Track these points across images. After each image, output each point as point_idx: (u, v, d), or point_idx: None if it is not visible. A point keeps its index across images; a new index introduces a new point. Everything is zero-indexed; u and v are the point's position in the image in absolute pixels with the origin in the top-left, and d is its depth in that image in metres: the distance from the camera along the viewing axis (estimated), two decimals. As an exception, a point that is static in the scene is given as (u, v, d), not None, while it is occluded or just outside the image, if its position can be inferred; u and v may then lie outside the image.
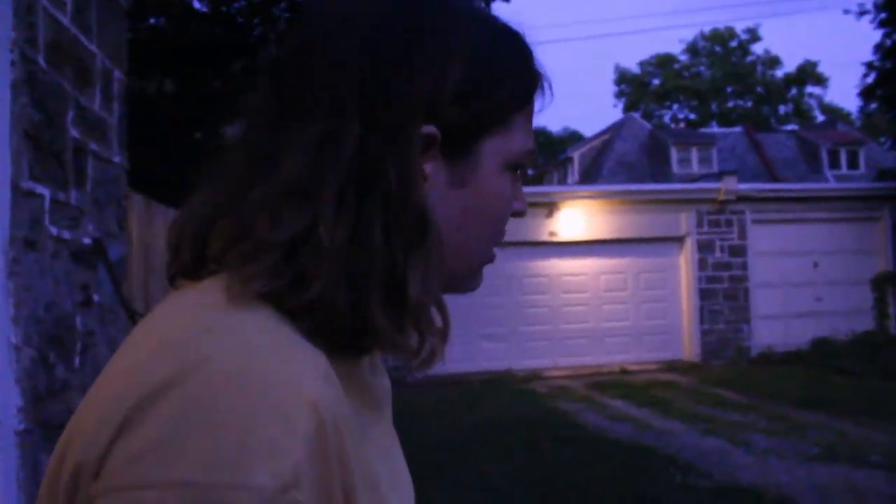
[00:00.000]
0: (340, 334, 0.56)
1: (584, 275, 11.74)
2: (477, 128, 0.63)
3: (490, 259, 0.70)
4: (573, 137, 39.64)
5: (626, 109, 40.09)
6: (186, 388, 0.47)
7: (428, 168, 0.61)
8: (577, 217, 11.50)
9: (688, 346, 11.76)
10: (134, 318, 2.92)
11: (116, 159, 3.04)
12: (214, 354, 0.49)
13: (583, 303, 11.72)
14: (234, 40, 8.42)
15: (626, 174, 25.69)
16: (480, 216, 0.65)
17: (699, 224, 11.66)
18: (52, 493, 0.51)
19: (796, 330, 11.72)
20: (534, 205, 11.36)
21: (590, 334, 11.71)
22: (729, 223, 11.71)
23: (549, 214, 11.42)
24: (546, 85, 0.69)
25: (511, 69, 0.65)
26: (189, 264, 0.59)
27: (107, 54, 2.95)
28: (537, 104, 0.69)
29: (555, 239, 11.48)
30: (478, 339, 11.45)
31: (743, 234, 11.72)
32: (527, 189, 10.18)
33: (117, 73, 3.07)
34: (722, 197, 11.53)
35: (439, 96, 0.60)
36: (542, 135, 42.71)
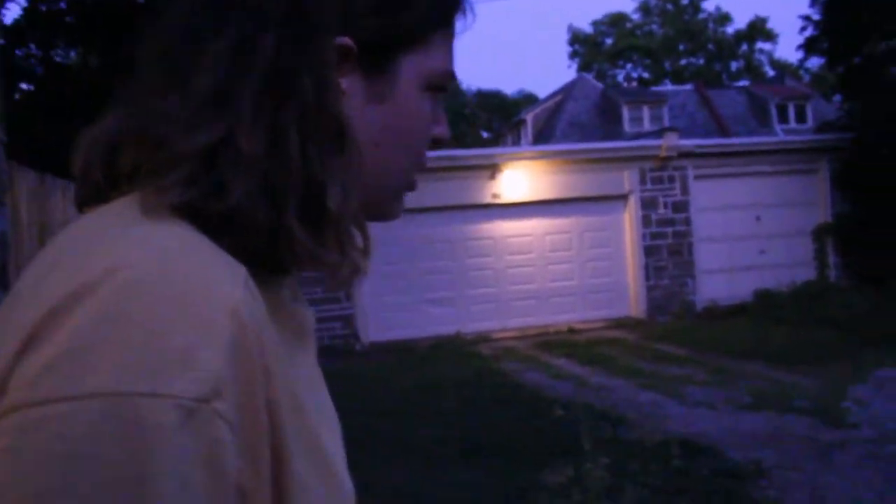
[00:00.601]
0: (260, 248, 0.54)
1: (529, 236, 11.75)
2: (394, 42, 0.62)
3: (411, 185, 0.69)
4: (528, 100, 39.53)
5: (580, 70, 40.06)
6: (97, 296, 0.44)
7: (344, 83, 0.60)
8: (520, 178, 11.46)
9: (634, 303, 11.89)
10: (7, 286, 2.82)
11: (-18, 131, 2.91)
12: (127, 262, 0.46)
13: (528, 264, 11.74)
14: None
15: (579, 134, 25.71)
16: (399, 134, 0.64)
17: (642, 181, 11.71)
18: None
19: (740, 283, 11.91)
20: (476, 167, 11.32)
21: (536, 295, 11.76)
22: (671, 179, 11.78)
23: (492, 176, 11.36)
24: (468, 7, 0.67)
25: None
26: (100, 185, 0.56)
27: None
28: (459, 26, 0.68)
29: (498, 201, 11.44)
30: (424, 304, 11.44)
31: (685, 190, 11.82)
32: (468, 151, 10.13)
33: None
34: (664, 154, 11.58)
35: (354, 6, 0.59)
36: (497, 97, 42.56)
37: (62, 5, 7.54)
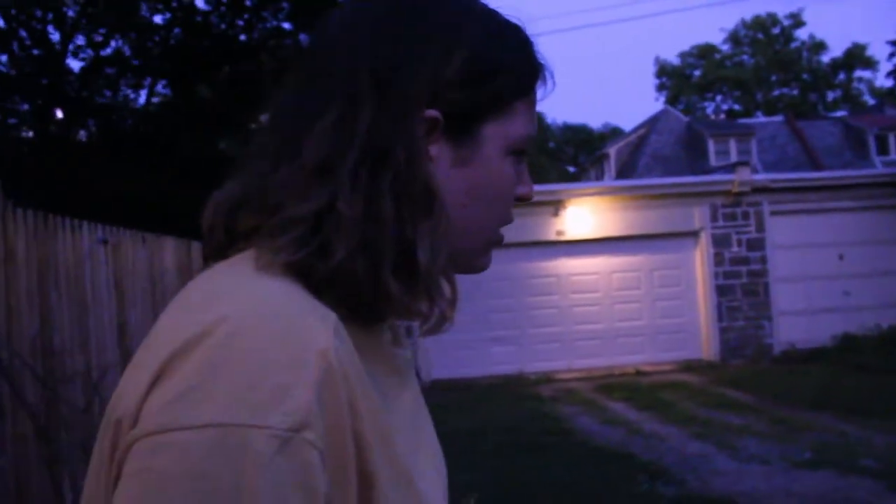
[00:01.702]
0: (359, 299, 0.62)
1: (595, 274, 11.43)
2: (478, 113, 0.68)
3: (497, 240, 0.75)
4: (614, 133, 38.98)
5: (668, 102, 39.28)
6: (209, 343, 0.53)
7: (433, 149, 0.67)
8: (584, 215, 11.20)
9: (706, 345, 11.35)
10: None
11: (-26, 175, 3.01)
12: (235, 312, 0.55)
13: (594, 302, 11.41)
14: (221, 48, 8.51)
15: (662, 169, 25.14)
16: (483, 195, 0.70)
17: (714, 218, 11.24)
18: (100, 450, 0.56)
19: (821, 326, 11.19)
20: (539, 203, 11.12)
21: (602, 335, 11.40)
22: (745, 216, 11.25)
23: (556, 213, 11.15)
24: (548, 75, 0.74)
25: (511, 59, 0.70)
26: (222, 243, 0.66)
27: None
28: (539, 93, 0.74)
29: (562, 238, 11.21)
30: (486, 342, 11.26)
31: (761, 227, 11.26)
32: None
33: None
34: (736, 189, 11.09)
35: (441, 83, 0.66)
36: (583, 131, 42.22)
37: (127, 51, 8.01)
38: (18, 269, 3.42)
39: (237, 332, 0.53)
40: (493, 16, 0.72)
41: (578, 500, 4.94)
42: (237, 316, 0.54)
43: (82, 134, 8.71)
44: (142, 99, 8.74)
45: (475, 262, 0.76)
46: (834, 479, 5.29)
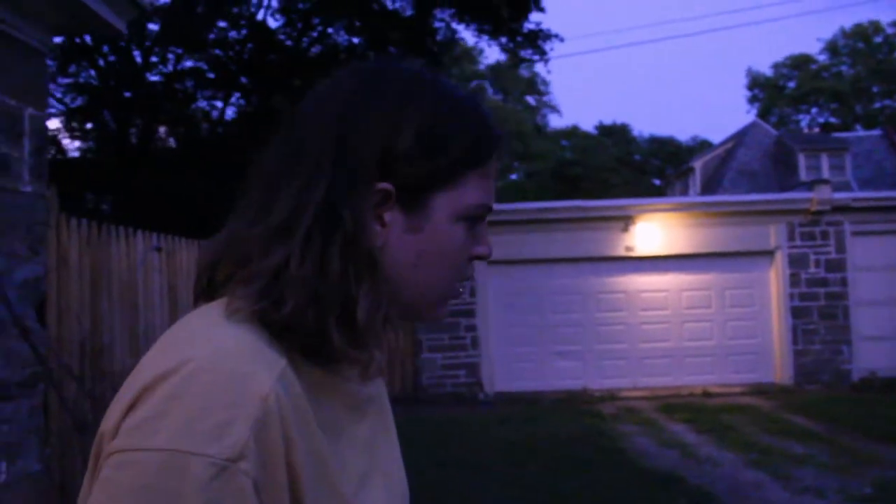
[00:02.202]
0: (308, 346, 0.70)
1: (665, 291, 11.20)
2: (427, 185, 0.75)
3: (453, 294, 0.82)
4: (702, 146, 37.98)
5: (760, 115, 38.00)
6: (171, 381, 0.63)
7: (387, 217, 0.74)
8: (654, 231, 11.00)
9: (779, 369, 10.94)
10: (25, 332, 3.09)
11: (27, 189, 3.24)
12: (195, 356, 0.65)
13: (663, 320, 11.18)
14: (293, 62, 8.81)
15: (749, 184, 24.36)
16: (433, 258, 0.77)
17: (790, 237, 10.84)
18: (92, 458, 0.68)
19: (906, 353, 10.62)
20: (608, 219, 11.01)
21: (671, 354, 11.15)
22: (825, 235, 10.81)
23: (625, 228, 10.99)
24: (501, 148, 0.81)
25: (460, 136, 0.76)
26: (206, 288, 0.76)
27: (11, 95, 3.16)
28: (494, 163, 0.81)
29: (632, 254, 11.04)
30: (552, 357, 11.20)
31: (841, 248, 10.79)
32: (600, 202, 9.91)
33: (29, 111, 3.27)
34: (814, 207, 10.67)
35: (391, 158, 0.73)
36: (671, 144, 41.31)
37: (203, 65, 8.41)
38: (71, 275, 3.66)
39: (194, 374, 0.63)
40: (447, 93, 0.78)
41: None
42: (197, 360, 0.64)
43: (162, 144, 9.19)
44: (216, 112, 9.20)
45: (430, 313, 0.82)
46: (891, 517, 5.05)
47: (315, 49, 9.28)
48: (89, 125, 9.55)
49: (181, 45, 8.55)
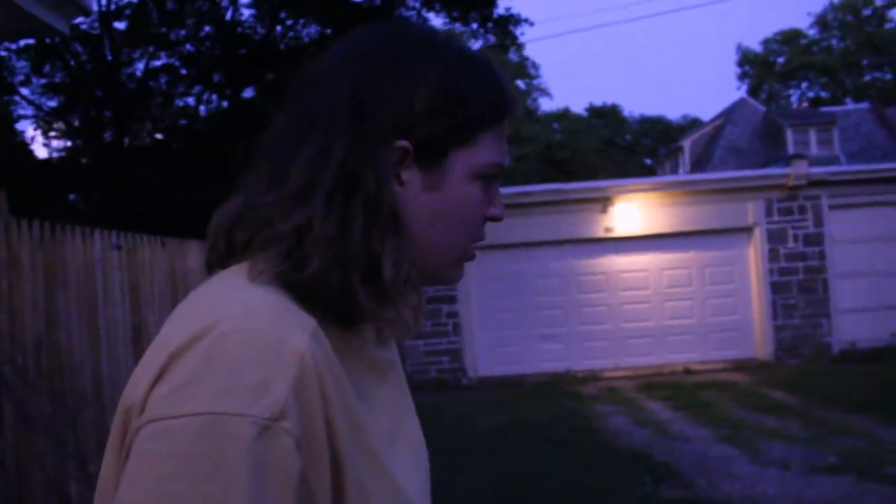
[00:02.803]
0: (333, 306, 0.71)
1: (645, 271, 11.28)
2: (444, 143, 0.76)
3: (468, 256, 0.83)
4: (693, 125, 37.97)
5: (751, 91, 37.97)
6: (201, 344, 0.62)
7: (405, 175, 0.75)
8: (633, 211, 11.06)
9: (760, 344, 11.03)
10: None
11: (-30, 190, 3.32)
12: (224, 318, 0.64)
13: (644, 300, 11.26)
14: (264, 55, 8.84)
15: (737, 161, 24.40)
16: (450, 216, 0.78)
17: (769, 213, 10.90)
18: (114, 436, 0.67)
19: (886, 324, 10.72)
20: (587, 200, 11.07)
21: (652, 333, 11.23)
22: (802, 210, 10.87)
23: (604, 210, 11.05)
24: (517, 108, 0.82)
25: (476, 95, 0.77)
26: (223, 254, 0.76)
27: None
28: (509, 125, 0.82)
29: (611, 235, 11.10)
30: (535, 339, 11.28)
31: (819, 221, 10.85)
32: (578, 184, 9.93)
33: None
34: (792, 182, 10.72)
35: (411, 116, 0.74)
36: (661, 123, 41.27)
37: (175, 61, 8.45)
38: (23, 274, 3.73)
39: (226, 336, 0.62)
40: (462, 53, 0.80)
41: (577, 499, 4.98)
42: (227, 322, 0.63)
43: (137, 141, 9.23)
44: (190, 109, 9.24)
45: (447, 274, 0.83)
46: (850, 486, 5.14)
47: (284, 43, 9.32)
48: (64, 126, 9.61)
49: (151, 42, 8.59)
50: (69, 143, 10.20)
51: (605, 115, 40.30)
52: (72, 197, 9.62)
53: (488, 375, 11.15)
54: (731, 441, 6.53)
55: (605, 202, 11.04)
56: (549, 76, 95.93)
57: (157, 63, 9.39)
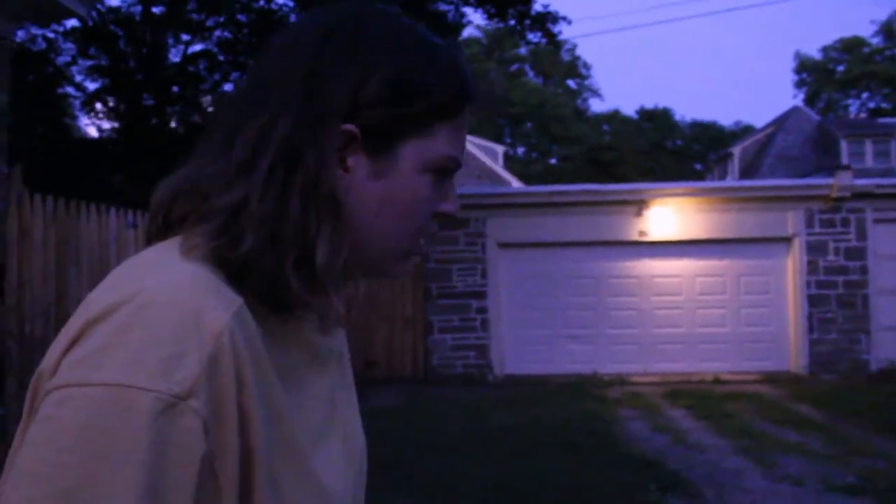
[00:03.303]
0: (265, 288, 0.69)
1: (678, 277, 11.09)
2: (394, 131, 0.73)
3: (414, 250, 0.80)
4: (745, 131, 37.18)
5: (808, 99, 37.04)
6: (119, 313, 0.60)
7: (350, 160, 0.72)
8: (669, 216, 10.88)
9: (794, 357, 10.76)
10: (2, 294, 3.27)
11: (-17, 166, 3.42)
12: (147, 288, 0.62)
13: (676, 306, 11.08)
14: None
15: (787, 170, 23.81)
16: (395, 207, 0.75)
17: (809, 224, 10.62)
18: (27, 399, 0.65)
19: (928, 344, 10.36)
20: (622, 203, 10.94)
21: (683, 340, 11.05)
22: (845, 223, 10.56)
23: (639, 213, 10.90)
24: (476, 98, 0.79)
25: (433, 83, 0.74)
26: (160, 227, 0.73)
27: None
28: (469, 117, 0.79)
29: (645, 238, 10.95)
30: (563, 340, 11.19)
31: (862, 235, 10.53)
32: (613, 186, 9.80)
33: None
34: (835, 194, 10.42)
35: (361, 100, 0.71)
36: (713, 129, 40.54)
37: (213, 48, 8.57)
38: (34, 248, 3.83)
39: (145, 307, 0.60)
40: (424, 41, 0.77)
41: (573, 503, 4.92)
42: (148, 293, 0.61)
43: (171, 126, 9.41)
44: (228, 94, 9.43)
45: (390, 266, 0.79)
46: (864, 507, 4.99)
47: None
48: (105, 108, 9.86)
49: (188, 29, 8.74)
50: (110, 125, 10.50)
51: (656, 119, 39.72)
52: (111, 177, 9.84)
53: (514, 373, 11.11)
54: (748, 454, 6.39)
55: (640, 205, 10.89)
56: (600, 77, 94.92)
57: (195, 48, 9.59)
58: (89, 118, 10.37)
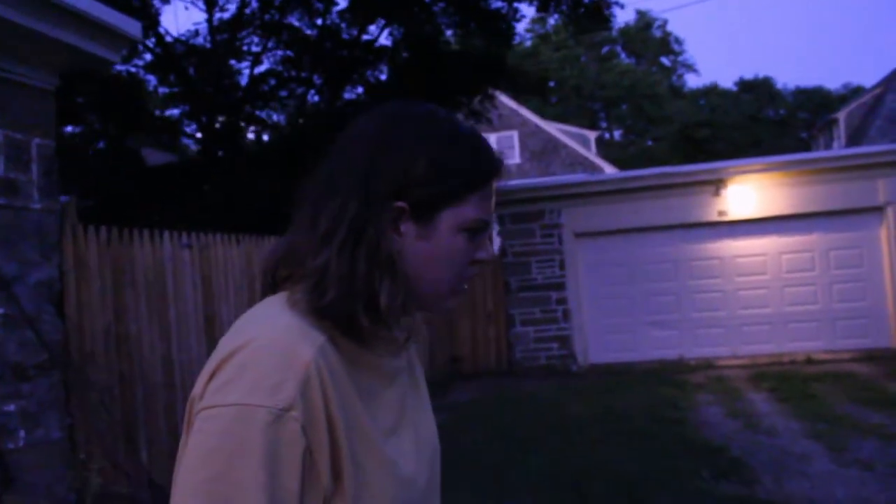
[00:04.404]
0: (344, 326, 0.92)
1: (762, 255, 10.72)
2: (435, 203, 0.96)
3: (458, 291, 1.03)
4: (854, 93, 35.06)
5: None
6: (240, 354, 0.86)
7: (402, 227, 0.96)
8: (748, 193, 10.54)
9: (895, 333, 10.20)
10: (33, 325, 3.68)
11: (36, 206, 3.81)
12: (258, 336, 0.88)
13: (762, 286, 10.72)
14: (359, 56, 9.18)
15: (898, 132, 22.34)
16: (438, 262, 0.98)
17: (903, 191, 10.03)
18: (186, 418, 0.91)
19: None
20: (698, 183, 10.68)
21: (771, 320, 10.68)
22: (944, 187, 9.91)
23: (717, 192, 10.61)
24: (501, 173, 1.02)
25: (462, 164, 0.97)
26: (270, 284, 1.01)
27: (18, 129, 3.73)
28: (493, 185, 1.02)
29: (725, 218, 10.65)
30: (646, 326, 11.05)
31: (961, 200, 9.85)
32: (688, 167, 9.65)
33: (36, 141, 3.83)
34: (927, 157, 9.80)
35: (406, 183, 0.94)
36: (818, 94, 38.44)
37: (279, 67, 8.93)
38: (91, 274, 4.24)
39: (256, 349, 0.86)
40: (452, 129, 0.99)
41: (621, 489, 4.95)
42: (258, 338, 0.87)
43: (241, 144, 9.93)
44: (290, 110, 9.79)
45: (439, 304, 1.02)
46: (935, 492, 4.77)
47: (377, 43, 9.69)
48: (182, 133, 10.55)
49: (250, 54, 9.27)
50: (188, 149, 11.22)
51: (757, 89, 38.03)
52: (189, 197, 10.45)
53: (599, 362, 11.06)
54: (822, 437, 6.19)
55: (717, 184, 10.60)
56: (695, 51, 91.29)
57: (260, 69, 10.14)
58: (167, 144, 11.12)
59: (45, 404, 3.79)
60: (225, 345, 0.89)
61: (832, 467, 5.40)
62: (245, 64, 10.01)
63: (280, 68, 10.13)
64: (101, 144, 9.97)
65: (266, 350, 0.85)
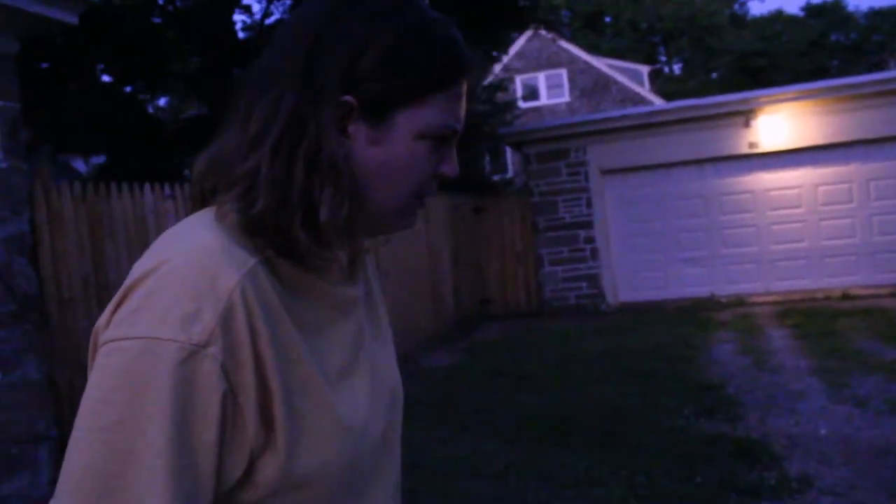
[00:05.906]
0: (279, 244, 0.78)
1: (796, 188, 10.34)
2: (389, 101, 0.80)
3: (412, 209, 0.88)
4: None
5: None
6: (150, 279, 0.73)
7: (351, 128, 0.81)
8: (780, 123, 10.11)
9: (937, 265, 9.77)
10: (2, 276, 3.88)
11: (3, 165, 3.99)
12: (171, 256, 0.74)
13: (796, 220, 10.36)
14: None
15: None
16: (391, 171, 0.83)
17: (946, 115, 9.47)
18: (90, 350, 0.77)
19: None
20: (728, 115, 10.30)
21: (807, 255, 10.35)
22: None
23: (747, 124, 10.22)
24: (472, 68, 0.86)
25: (424, 57, 0.81)
26: (198, 198, 0.86)
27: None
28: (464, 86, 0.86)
29: (756, 150, 10.27)
30: (676, 264, 10.87)
31: None
32: (716, 98, 9.31)
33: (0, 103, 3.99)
34: (974, 78, 9.19)
35: (357, 74, 0.79)
36: (894, 15, 36.10)
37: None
38: (66, 227, 4.42)
39: (168, 273, 0.72)
40: (417, 16, 0.83)
41: (605, 425, 4.97)
42: (172, 260, 0.73)
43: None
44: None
45: (391, 221, 0.88)
46: (920, 427, 4.63)
47: None
48: (198, 94, 10.69)
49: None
50: (200, 111, 11.36)
51: (826, 13, 35.95)
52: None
53: (628, 301, 10.97)
54: (826, 375, 6.03)
55: (747, 115, 10.21)
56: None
57: (270, 20, 10.09)
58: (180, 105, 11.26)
59: (20, 350, 4.02)
60: (135, 269, 0.75)
61: (825, 405, 5.27)
62: (257, 16, 10.03)
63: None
64: (116, 97, 10.24)
65: (181, 273, 0.72)
